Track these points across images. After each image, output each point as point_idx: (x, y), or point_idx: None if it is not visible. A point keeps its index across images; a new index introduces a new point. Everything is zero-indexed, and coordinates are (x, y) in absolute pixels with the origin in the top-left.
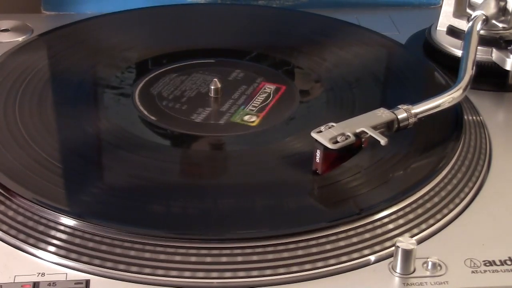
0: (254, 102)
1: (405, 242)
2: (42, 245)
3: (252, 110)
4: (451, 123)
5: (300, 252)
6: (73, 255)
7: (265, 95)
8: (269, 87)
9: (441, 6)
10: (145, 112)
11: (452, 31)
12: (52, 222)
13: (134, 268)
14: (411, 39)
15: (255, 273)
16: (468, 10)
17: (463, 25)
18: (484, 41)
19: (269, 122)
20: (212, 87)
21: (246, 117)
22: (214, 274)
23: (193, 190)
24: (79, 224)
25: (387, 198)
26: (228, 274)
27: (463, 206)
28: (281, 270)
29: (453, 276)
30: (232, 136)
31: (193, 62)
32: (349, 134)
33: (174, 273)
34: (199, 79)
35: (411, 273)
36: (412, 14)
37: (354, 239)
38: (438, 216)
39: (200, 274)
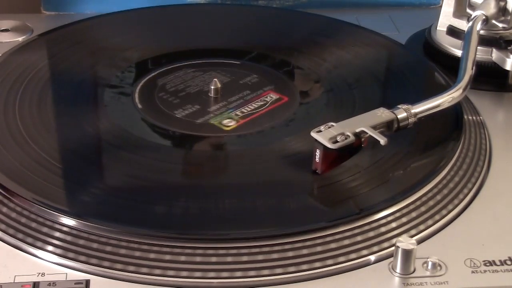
0: (246, 108)
1: (405, 242)
2: (42, 245)
3: (237, 115)
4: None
5: (299, 252)
6: (73, 255)
7: (262, 103)
8: (272, 97)
9: (441, 6)
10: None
11: (452, 31)
12: (52, 222)
13: (134, 268)
14: (411, 39)
15: (254, 273)
16: (468, 10)
17: (463, 25)
18: (484, 41)
19: (248, 129)
20: (212, 87)
21: (225, 121)
22: (213, 274)
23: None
24: (79, 224)
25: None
26: (227, 274)
27: (463, 206)
28: (281, 270)
29: (453, 276)
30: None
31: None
32: (348, 133)
33: (173, 273)
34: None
35: (411, 273)
36: (412, 14)
37: (354, 239)
38: (438, 216)
39: (199, 274)
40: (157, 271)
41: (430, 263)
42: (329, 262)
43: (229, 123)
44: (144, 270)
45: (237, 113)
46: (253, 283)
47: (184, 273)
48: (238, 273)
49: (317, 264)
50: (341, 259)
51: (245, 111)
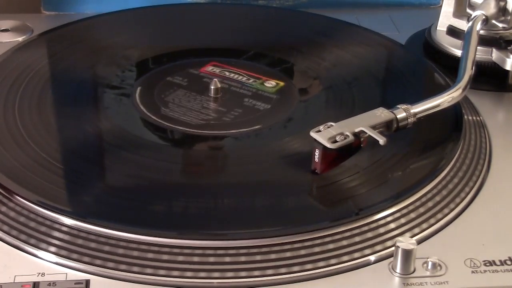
0: (239, 79)
1: (405, 242)
2: (42, 245)
3: (256, 81)
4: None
5: (298, 252)
6: (73, 255)
7: (227, 72)
8: (210, 68)
9: (441, 6)
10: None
11: (452, 31)
12: (52, 222)
13: (134, 268)
14: (411, 39)
15: (253, 273)
16: (468, 10)
17: (463, 25)
18: (484, 41)
19: (286, 84)
20: (212, 87)
21: (268, 85)
22: (213, 274)
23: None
24: (79, 224)
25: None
26: (226, 274)
27: (463, 206)
28: (280, 270)
29: (453, 276)
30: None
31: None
32: (348, 133)
33: (173, 273)
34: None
35: (411, 273)
36: (412, 14)
37: (354, 239)
38: (438, 216)
39: (200, 274)
40: (157, 271)
41: (430, 263)
42: (329, 262)
43: (271, 84)
44: (144, 270)
45: (255, 80)
46: (252, 283)
47: (184, 273)
48: (237, 273)
49: (317, 264)
50: (341, 259)
51: (250, 79)
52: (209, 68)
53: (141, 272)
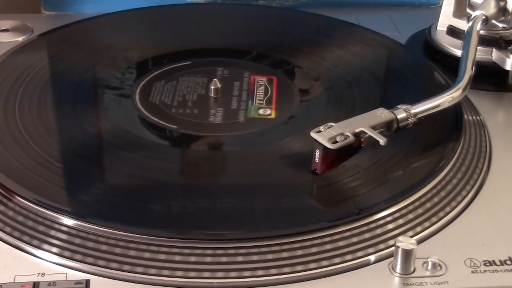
0: (257, 96)
1: (405, 242)
2: (42, 245)
3: (262, 104)
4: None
5: (299, 252)
6: (73, 255)
7: (263, 87)
8: (261, 79)
9: (441, 6)
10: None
11: (452, 31)
12: (52, 222)
13: (134, 268)
14: (411, 39)
15: (252, 273)
16: (468, 10)
17: (463, 25)
18: (484, 41)
19: (276, 118)
20: (212, 87)
21: (261, 111)
22: (213, 274)
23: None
24: (79, 224)
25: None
26: (227, 274)
27: (463, 206)
28: (280, 271)
29: (453, 276)
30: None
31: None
32: (348, 134)
33: (175, 273)
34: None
35: (411, 273)
36: (412, 14)
37: (354, 239)
38: (438, 216)
39: (199, 274)
40: (156, 271)
41: (430, 263)
42: (328, 262)
43: (264, 112)
44: (144, 270)
45: (262, 103)
46: (252, 283)
47: (184, 273)
48: (237, 273)
49: (317, 265)
50: (341, 259)
51: (262, 100)
52: (261, 78)
53: (141, 272)
